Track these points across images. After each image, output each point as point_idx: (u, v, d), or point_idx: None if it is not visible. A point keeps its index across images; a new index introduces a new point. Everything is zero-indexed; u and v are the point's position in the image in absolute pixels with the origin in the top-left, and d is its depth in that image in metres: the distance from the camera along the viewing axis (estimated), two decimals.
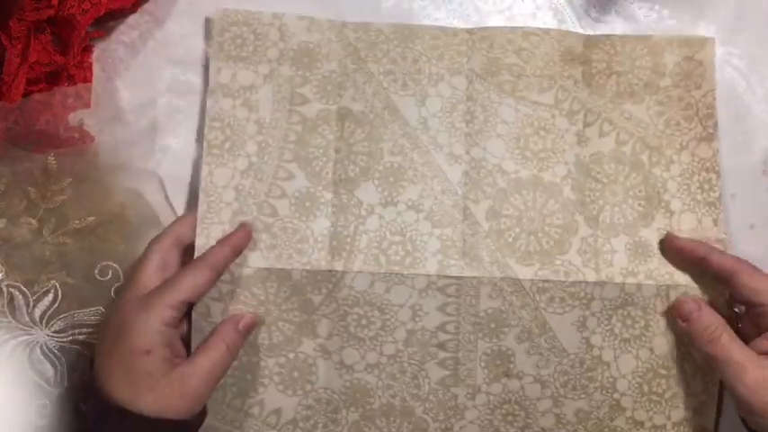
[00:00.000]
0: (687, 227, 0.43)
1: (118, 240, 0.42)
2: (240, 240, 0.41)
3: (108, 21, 0.44)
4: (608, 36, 0.44)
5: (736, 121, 0.46)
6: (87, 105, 0.43)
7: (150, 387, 0.35)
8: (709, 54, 0.44)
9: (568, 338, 0.42)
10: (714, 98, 0.44)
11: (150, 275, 0.38)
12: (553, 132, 0.43)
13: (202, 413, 0.38)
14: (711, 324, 0.39)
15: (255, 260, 0.41)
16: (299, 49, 0.43)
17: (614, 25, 0.46)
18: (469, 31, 0.44)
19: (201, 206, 0.41)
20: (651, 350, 0.42)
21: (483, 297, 0.42)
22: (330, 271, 0.42)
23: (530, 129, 0.43)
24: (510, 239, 0.42)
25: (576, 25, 0.46)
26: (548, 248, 0.42)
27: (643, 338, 0.42)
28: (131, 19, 0.45)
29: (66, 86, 0.42)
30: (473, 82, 0.43)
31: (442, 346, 0.42)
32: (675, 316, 0.41)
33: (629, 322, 0.42)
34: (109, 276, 0.42)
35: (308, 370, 0.42)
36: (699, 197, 0.43)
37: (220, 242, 0.40)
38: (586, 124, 0.44)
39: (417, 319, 0.42)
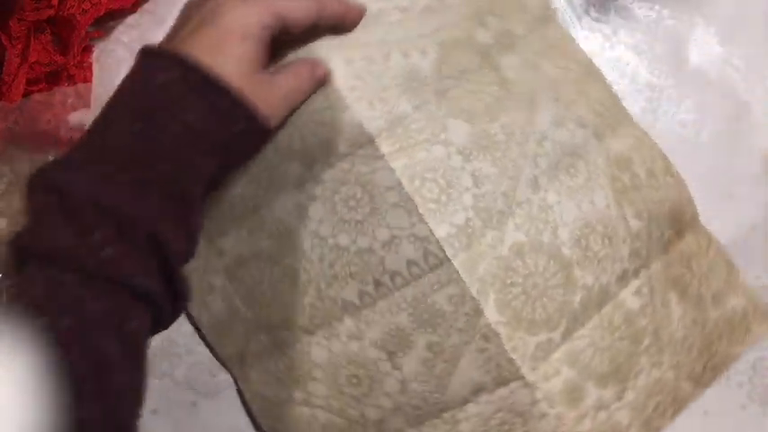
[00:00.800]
0: None
1: None
2: (355, 14, 0.38)
3: (108, 21, 0.44)
4: None
5: (736, 122, 0.46)
6: (87, 105, 0.43)
7: (239, 73, 0.32)
8: None
9: None
10: None
11: None
12: None
13: None
14: None
15: None
16: None
17: (614, 25, 0.46)
18: None
19: None
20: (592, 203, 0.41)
21: None
22: None
23: None
24: None
25: (576, 25, 0.46)
26: None
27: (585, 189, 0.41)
28: (131, 19, 0.45)
29: (66, 86, 0.42)
30: None
31: None
32: None
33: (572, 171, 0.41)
34: None
35: None
36: None
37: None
38: None
39: None
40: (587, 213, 0.41)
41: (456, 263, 0.39)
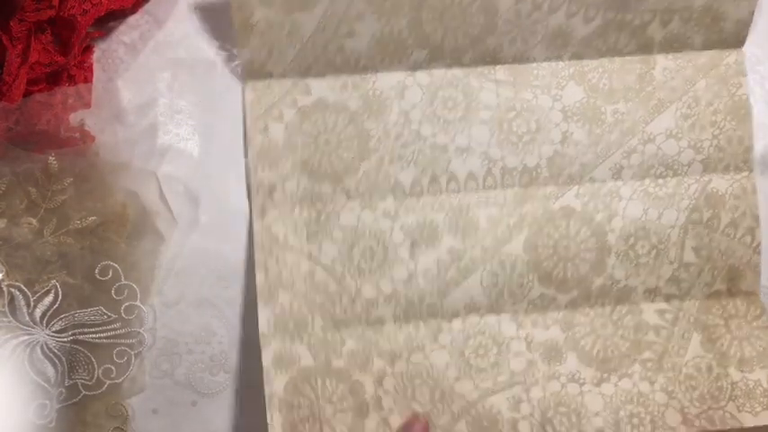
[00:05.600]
0: None
1: (118, 240, 0.42)
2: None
3: (108, 21, 0.44)
4: None
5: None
6: (88, 105, 0.43)
7: None
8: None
9: None
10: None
11: None
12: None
13: None
14: None
15: None
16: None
17: None
18: None
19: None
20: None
21: None
22: None
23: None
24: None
25: None
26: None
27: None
28: (132, 19, 0.45)
29: (66, 87, 0.42)
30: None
31: None
32: None
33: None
34: (109, 276, 0.42)
35: None
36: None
37: None
38: None
39: None
40: (649, 221, 0.43)
41: (508, 192, 0.42)
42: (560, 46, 0.43)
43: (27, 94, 0.41)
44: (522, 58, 0.43)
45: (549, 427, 0.42)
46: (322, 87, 0.43)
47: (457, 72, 0.43)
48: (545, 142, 0.43)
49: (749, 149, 0.44)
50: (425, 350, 0.42)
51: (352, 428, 0.41)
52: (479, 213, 0.43)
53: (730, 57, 0.44)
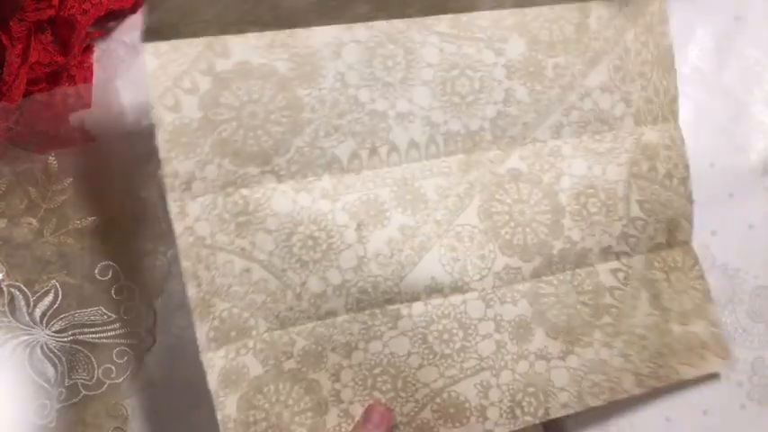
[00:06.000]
0: None
1: (118, 240, 0.42)
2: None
3: (108, 21, 0.44)
4: None
5: (735, 122, 0.46)
6: (88, 105, 0.43)
7: None
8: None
9: None
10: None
11: None
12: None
13: None
14: None
15: None
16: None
17: None
18: None
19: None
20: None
21: None
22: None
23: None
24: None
25: None
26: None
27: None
28: (131, 19, 0.45)
29: (66, 86, 0.42)
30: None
31: None
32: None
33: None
34: (109, 276, 0.42)
35: None
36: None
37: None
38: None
39: None
40: (595, 178, 0.42)
41: (452, 159, 0.40)
42: None
43: (27, 94, 0.41)
44: (467, 6, 0.40)
45: (518, 410, 0.40)
46: (244, 47, 0.36)
47: (398, 24, 0.38)
48: (489, 102, 0.40)
49: (675, 100, 0.43)
50: (384, 338, 0.38)
51: (312, 428, 0.38)
52: (426, 184, 0.39)
53: (654, 4, 0.43)
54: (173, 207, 0.36)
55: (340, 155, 0.38)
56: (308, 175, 0.38)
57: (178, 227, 0.36)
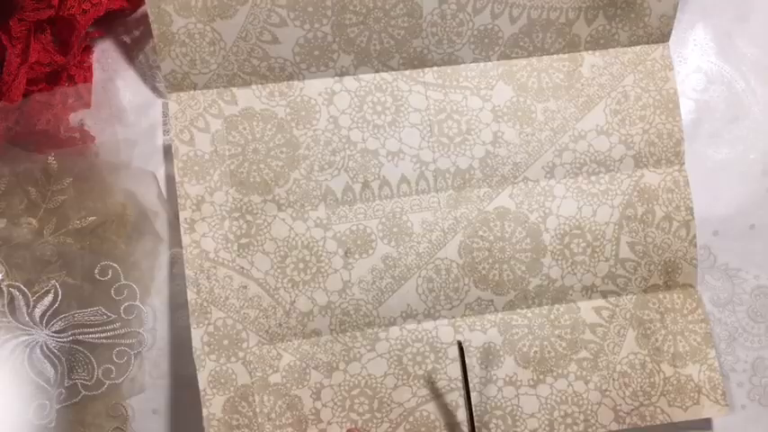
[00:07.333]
0: None
1: (118, 240, 0.42)
2: None
3: (108, 21, 0.44)
4: None
5: (736, 122, 0.46)
6: (88, 105, 0.43)
7: None
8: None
9: None
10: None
11: None
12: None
13: None
14: None
15: None
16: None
17: None
18: None
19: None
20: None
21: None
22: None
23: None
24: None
25: None
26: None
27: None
28: (131, 19, 0.45)
29: (66, 86, 0.42)
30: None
31: None
32: None
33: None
34: (109, 276, 0.42)
35: None
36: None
37: None
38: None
39: None
40: (583, 219, 0.43)
41: (442, 195, 0.43)
42: (487, 47, 0.43)
43: (27, 94, 0.41)
44: (449, 60, 0.43)
45: (484, 430, 0.42)
46: (248, 96, 0.42)
47: (385, 76, 0.43)
48: (476, 143, 0.43)
49: (680, 142, 0.44)
50: (362, 360, 0.42)
51: None
52: (413, 218, 0.42)
53: (656, 51, 0.44)
54: (183, 222, 0.41)
55: (334, 188, 0.42)
56: (305, 205, 0.42)
57: (186, 239, 0.41)
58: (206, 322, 0.41)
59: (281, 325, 0.42)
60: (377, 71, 0.43)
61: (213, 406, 0.40)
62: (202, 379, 0.40)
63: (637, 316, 0.43)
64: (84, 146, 0.43)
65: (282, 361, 0.41)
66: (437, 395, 0.42)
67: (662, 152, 0.43)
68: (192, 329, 0.41)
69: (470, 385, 0.42)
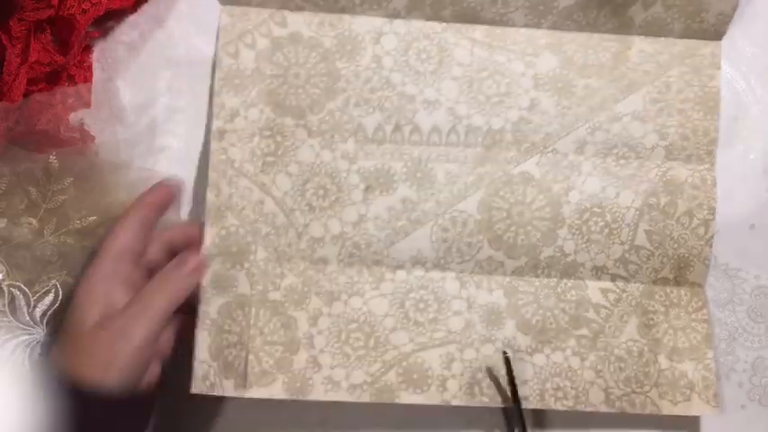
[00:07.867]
0: None
1: None
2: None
3: (108, 21, 0.44)
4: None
5: (736, 121, 0.46)
6: (88, 105, 0.43)
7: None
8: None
9: None
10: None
11: None
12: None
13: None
14: None
15: None
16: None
17: None
18: None
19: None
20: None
21: None
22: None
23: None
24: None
25: None
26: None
27: None
28: (131, 19, 0.45)
29: (66, 86, 0.42)
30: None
31: None
32: None
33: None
34: None
35: None
36: None
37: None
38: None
39: None
40: (606, 199, 0.43)
41: (470, 151, 0.43)
42: (540, 14, 0.43)
43: (27, 93, 0.41)
44: (500, 21, 0.43)
45: (476, 388, 0.42)
46: (299, 21, 0.43)
47: (435, 25, 0.43)
48: (513, 107, 0.43)
49: (713, 142, 0.43)
50: (365, 296, 0.42)
51: (279, 362, 0.41)
52: (438, 168, 0.43)
53: (707, 48, 0.44)
54: (214, 128, 0.42)
55: (366, 125, 0.43)
56: (335, 137, 0.43)
57: (214, 145, 0.42)
58: (219, 225, 0.42)
59: (290, 245, 0.42)
60: (428, 19, 0.43)
61: (210, 306, 0.41)
62: (205, 278, 0.41)
63: (642, 305, 0.43)
64: (85, 146, 0.43)
65: (285, 281, 0.42)
66: (434, 345, 0.42)
67: (694, 148, 0.43)
68: (205, 229, 0.41)
69: (469, 341, 0.42)
